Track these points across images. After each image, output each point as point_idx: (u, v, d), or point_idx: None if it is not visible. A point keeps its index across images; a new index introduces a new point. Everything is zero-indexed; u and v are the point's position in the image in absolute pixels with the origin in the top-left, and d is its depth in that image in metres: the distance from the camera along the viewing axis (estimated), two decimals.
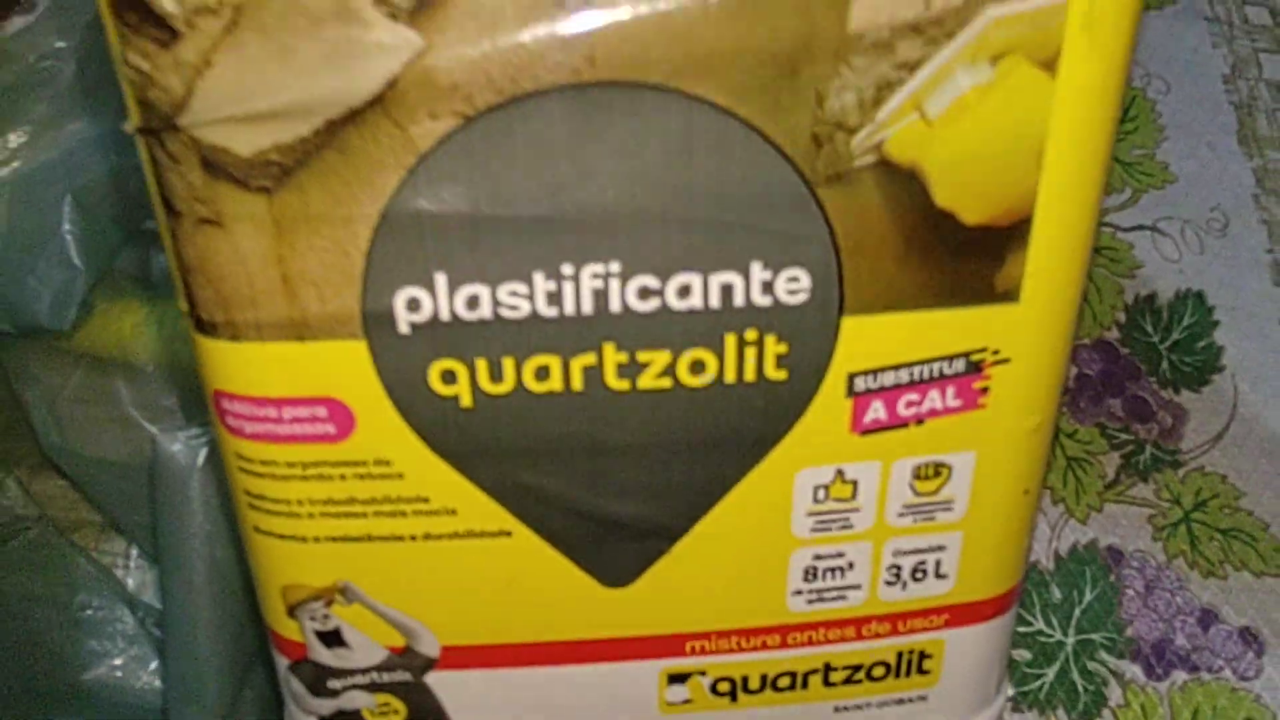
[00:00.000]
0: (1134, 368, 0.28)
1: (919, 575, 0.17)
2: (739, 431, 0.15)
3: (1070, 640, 0.25)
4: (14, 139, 0.21)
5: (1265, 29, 0.33)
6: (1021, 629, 0.24)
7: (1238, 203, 0.30)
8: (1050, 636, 0.25)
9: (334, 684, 0.17)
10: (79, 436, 0.22)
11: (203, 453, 0.21)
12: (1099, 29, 0.13)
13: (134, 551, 0.24)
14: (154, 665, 0.23)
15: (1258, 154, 0.31)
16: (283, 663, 0.17)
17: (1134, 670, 0.24)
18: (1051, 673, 0.24)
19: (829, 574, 0.16)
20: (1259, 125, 0.31)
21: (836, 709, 0.18)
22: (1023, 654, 0.24)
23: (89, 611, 0.23)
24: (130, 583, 0.24)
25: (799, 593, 0.17)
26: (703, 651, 0.17)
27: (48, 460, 0.23)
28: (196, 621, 0.19)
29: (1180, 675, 0.24)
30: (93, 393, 0.23)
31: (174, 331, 0.25)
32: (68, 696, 0.22)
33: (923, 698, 0.18)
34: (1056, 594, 0.25)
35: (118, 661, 0.22)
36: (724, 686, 0.18)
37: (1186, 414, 0.27)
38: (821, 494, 0.16)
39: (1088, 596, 0.25)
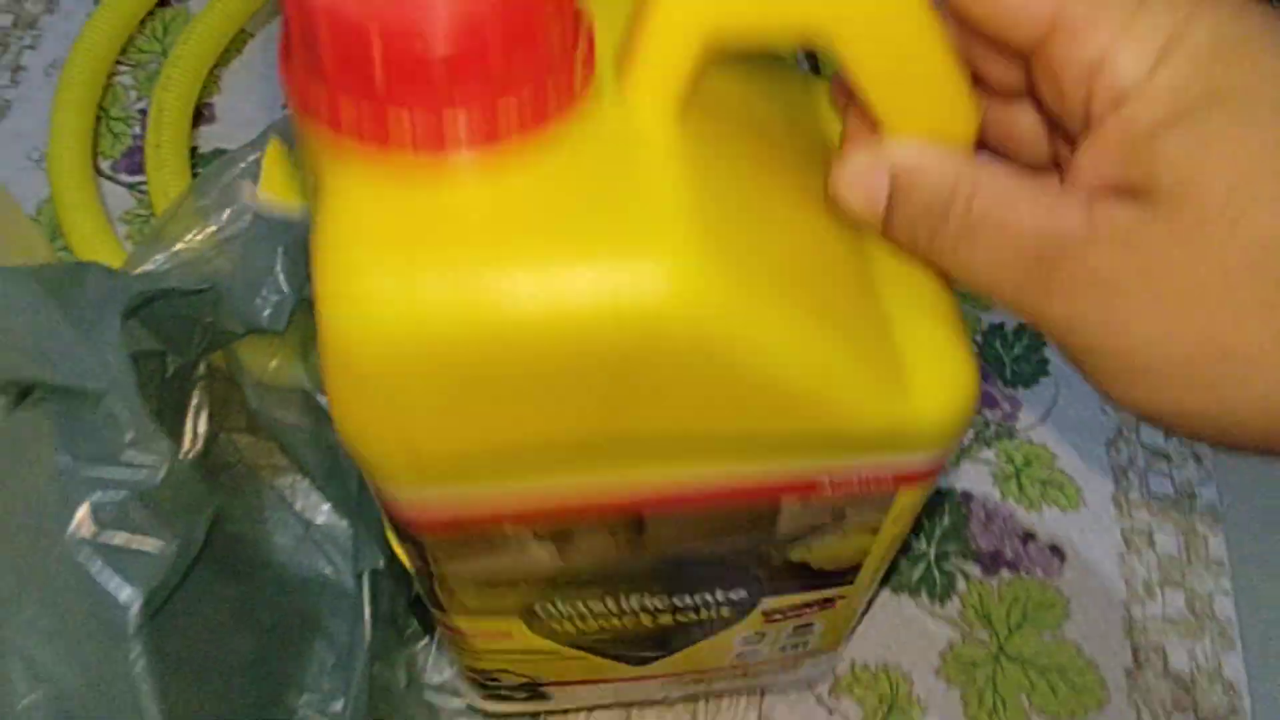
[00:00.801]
0: (985, 373, 0.39)
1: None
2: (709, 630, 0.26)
3: (931, 550, 0.36)
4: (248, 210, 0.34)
5: None
6: None
7: None
8: (918, 545, 0.36)
9: None
10: (272, 404, 0.35)
11: None
12: None
13: (303, 483, 0.36)
14: (318, 558, 0.34)
15: None
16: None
17: (975, 570, 0.36)
18: (918, 570, 0.36)
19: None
20: None
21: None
22: (897, 555, 0.36)
23: (271, 521, 0.35)
24: (298, 504, 0.36)
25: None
26: None
27: (252, 422, 0.35)
28: (360, 500, 0.30)
29: (1006, 574, 0.35)
30: (282, 375, 0.35)
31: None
32: (261, 575, 0.34)
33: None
34: (923, 519, 0.36)
35: (290, 546, 0.34)
36: None
37: (1021, 403, 0.39)
38: (746, 638, 0.27)
39: (945, 521, 0.36)
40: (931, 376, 0.19)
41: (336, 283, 0.15)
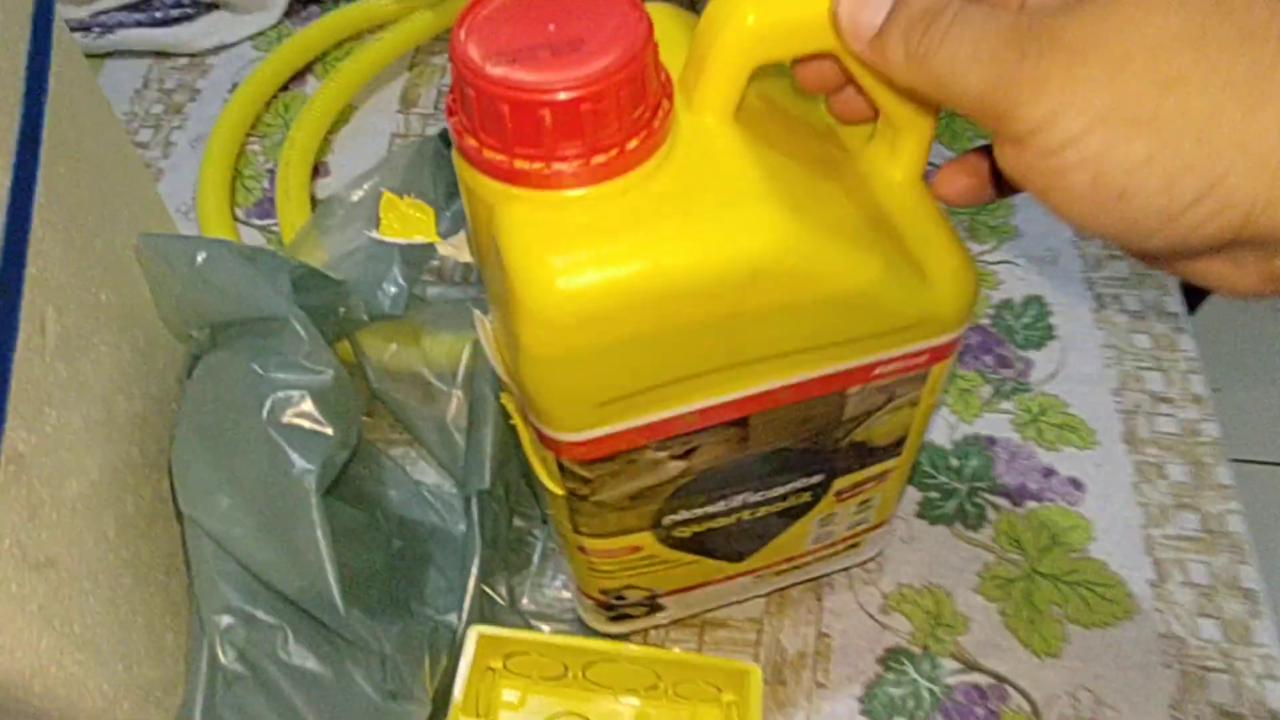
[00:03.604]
0: (999, 339, 0.45)
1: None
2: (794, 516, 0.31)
3: (963, 487, 0.40)
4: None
5: None
6: (929, 481, 0.40)
7: (1063, 244, 0.48)
8: (950, 484, 0.40)
9: None
10: (390, 385, 0.41)
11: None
12: None
13: (413, 453, 0.42)
14: (429, 511, 0.40)
15: None
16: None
17: (1003, 502, 0.40)
18: (952, 504, 0.40)
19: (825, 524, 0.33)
20: None
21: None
22: (932, 494, 0.40)
23: (389, 481, 0.41)
24: (410, 469, 0.42)
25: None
26: None
27: (370, 405, 0.42)
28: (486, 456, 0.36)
29: (1032, 504, 0.40)
30: (399, 360, 0.42)
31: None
32: (384, 515, 0.39)
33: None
34: (954, 462, 0.41)
35: (405, 500, 0.39)
36: None
37: (1032, 364, 0.44)
38: (821, 519, 0.32)
39: (973, 462, 0.41)
40: (944, 273, 0.25)
41: (528, 266, 0.21)
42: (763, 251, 0.21)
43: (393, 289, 0.40)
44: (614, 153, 0.21)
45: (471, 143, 0.21)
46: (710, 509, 0.30)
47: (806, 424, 0.27)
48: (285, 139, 0.50)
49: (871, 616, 0.37)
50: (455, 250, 0.32)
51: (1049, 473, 0.40)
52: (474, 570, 0.33)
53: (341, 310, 0.39)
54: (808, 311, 0.23)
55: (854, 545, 0.35)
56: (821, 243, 0.22)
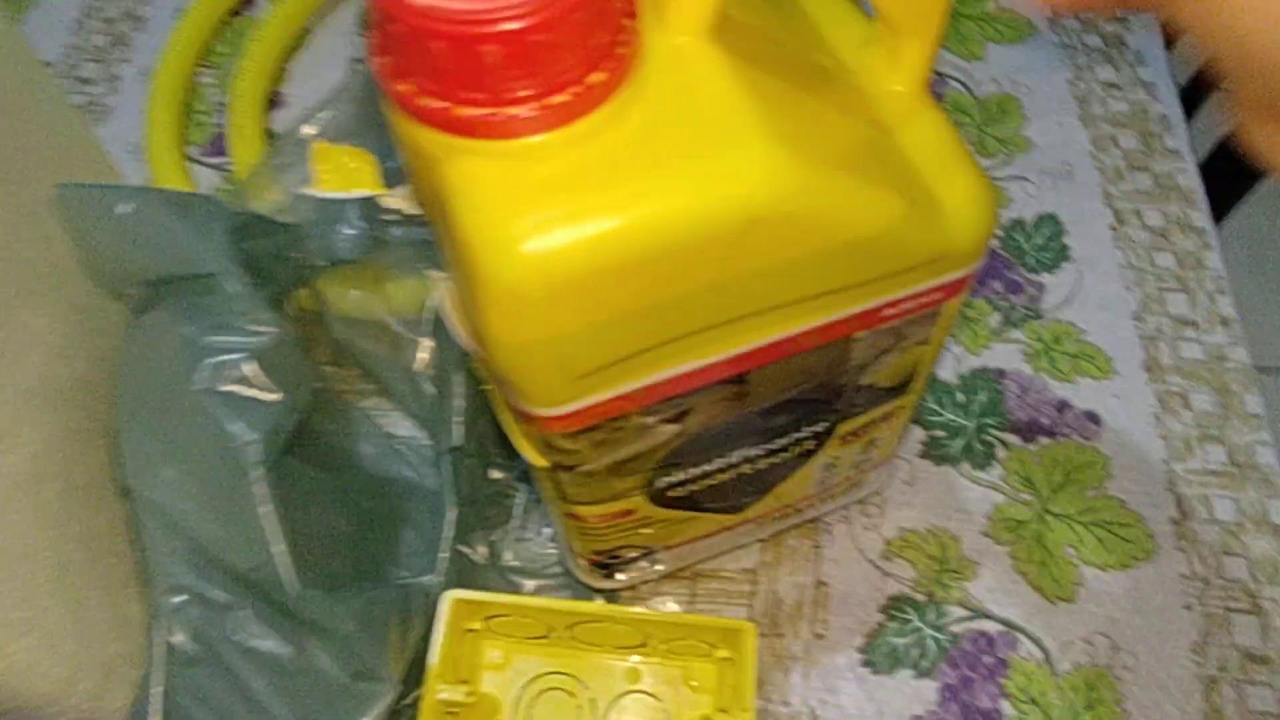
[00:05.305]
0: (1008, 262, 0.41)
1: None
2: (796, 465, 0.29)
3: (971, 424, 0.38)
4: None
5: (1098, 49, 0.48)
6: (935, 418, 0.38)
7: (1079, 157, 0.44)
8: (957, 421, 0.38)
9: None
10: (355, 334, 0.38)
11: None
12: None
13: (383, 404, 0.40)
14: (402, 465, 0.38)
15: (1093, 126, 0.45)
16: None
17: (1014, 439, 0.37)
18: (959, 443, 0.37)
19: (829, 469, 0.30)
20: (1093, 108, 0.46)
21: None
22: (938, 433, 0.38)
23: (358, 435, 0.38)
24: (380, 420, 0.39)
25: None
26: None
27: (337, 355, 0.39)
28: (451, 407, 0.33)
29: (1044, 440, 0.37)
30: (362, 306, 0.39)
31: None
32: (353, 474, 0.37)
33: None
34: (960, 397, 0.38)
35: (376, 454, 0.37)
36: None
37: (1045, 288, 0.41)
38: (825, 464, 0.29)
39: (981, 397, 0.38)
40: (959, 203, 0.22)
41: (486, 232, 0.18)
42: (759, 196, 0.18)
43: (351, 231, 0.37)
44: (574, 90, 0.17)
45: (403, 88, 0.18)
46: (707, 468, 0.27)
47: (810, 374, 0.25)
48: (235, 69, 0.47)
49: (873, 563, 0.35)
50: (404, 202, 0.29)
51: (1063, 406, 0.38)
52: (447, 531, 0.31)
53: (296, 256, 0.36)
54: (810, 259, 0.20)
55: (857, 484, 0.33)
56: (825, 181, 0.19)
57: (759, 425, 0.26)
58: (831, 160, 0.19)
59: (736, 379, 0.23)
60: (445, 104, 0.17)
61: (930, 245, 0.21)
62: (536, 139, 0.18)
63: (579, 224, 0.17)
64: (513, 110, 0.17)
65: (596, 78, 0.18)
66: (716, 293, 0.20)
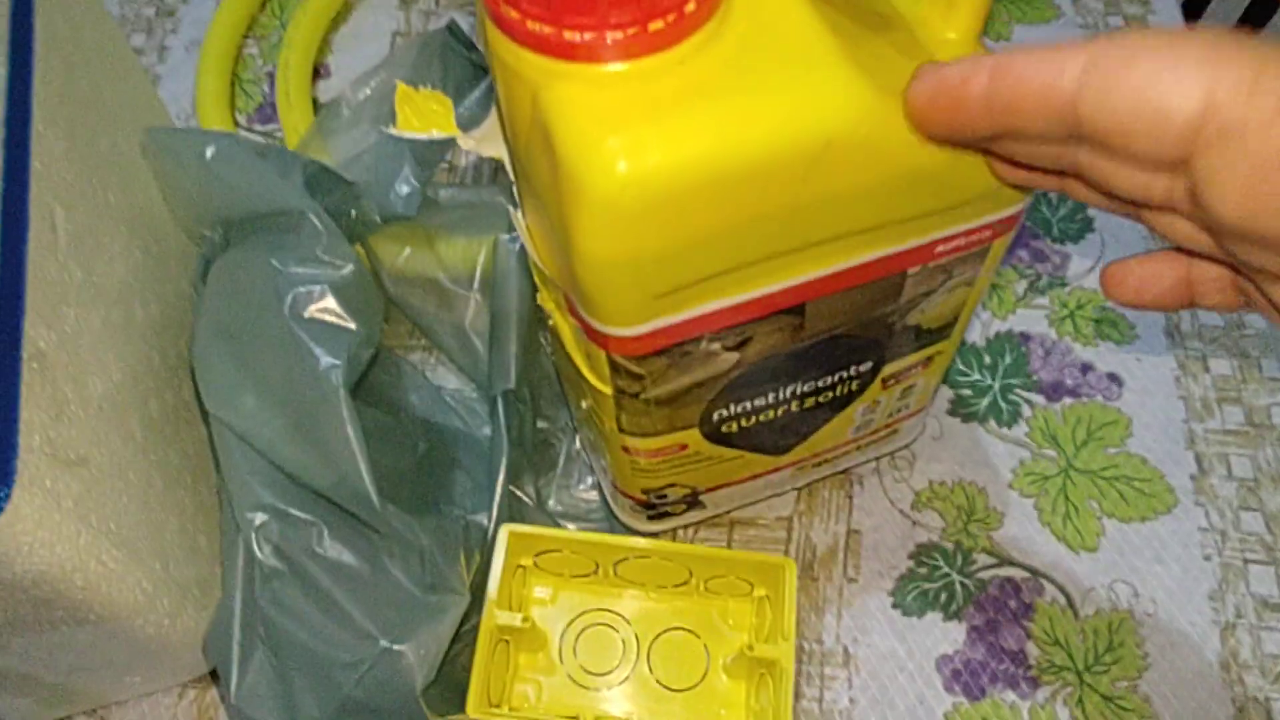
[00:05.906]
0: (1034, 232, 0.43)
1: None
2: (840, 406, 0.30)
3: (997, 384, 0.39)
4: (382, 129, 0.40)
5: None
6: (962, 378, 0.39)
7: None
8: (983, 381, 0.39)
9: None
10: (406, 291, 0.40)
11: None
12: None
13: (431, 359, 0.41)
14: (452, 416, 0.39)
15: None
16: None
17: (1039, 399, 0.39)
18: (985, 401, 0.39)
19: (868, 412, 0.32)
20: None
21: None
22: (965, 391, 0.39)
23: (410, 387, 0.40)
24: (431, 374, 0.41)
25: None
26: None
27: (389, 311, 0.41)
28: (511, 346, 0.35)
29: (1068, 400, 0.39)
30: (413, 264, 0.40)
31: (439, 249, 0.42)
32: (408, 420, 0.39)
33: None
34: (987, 359, 0.40)
35: (428, 405, 0.39)
36: None
37: (1070, 257, 0.42)
38: (865, 409, 0.31)
39: (1007, 359, 0.40)
40: None
41: (586, 151, 0.19)
42: (837, 120, 0.20)
43: (405, 189, 0.38)
44: (672, 17, 0.19)
45: (512, 14, 0.19)
46: (759, 402, 0.29)
47: (863, 309, 0.26)
48: (282, 40, 0.48)
49: (903, 513, 0.37)
50: (479, 144, 0.30)
51: (1086, 368, 0.39)
52: (502, 470, 0.32)
53: (353, 212, 0.38)
54: (875, 187, 0.22)
55: (893, 432, 0.35)
56: (894, 109, 0.21)
57: (811, 360, 0.28)
58: (899, 93, 0.21)
59: (795, 309, 0.25)
60: (553, 29, 0.19)
61: (983, 180, 0.23)
62: (634, 64, 0.19)
63: (673, 144, 0.19)
64: (614, 35, 0.19)
65: (690, 6, 0.19)
66: (789, 217, 0.21)
